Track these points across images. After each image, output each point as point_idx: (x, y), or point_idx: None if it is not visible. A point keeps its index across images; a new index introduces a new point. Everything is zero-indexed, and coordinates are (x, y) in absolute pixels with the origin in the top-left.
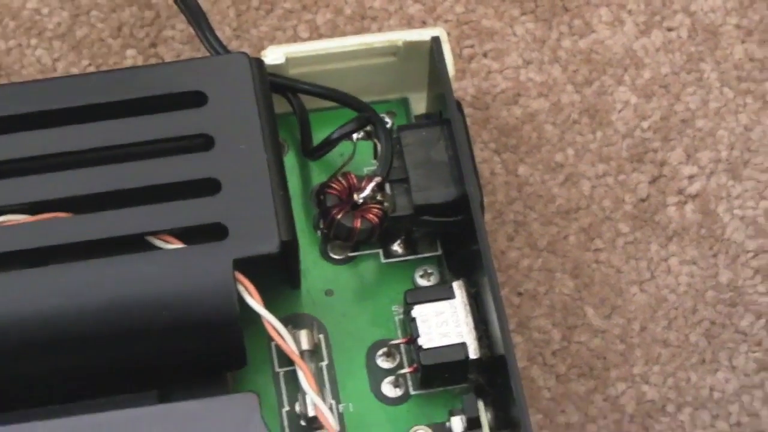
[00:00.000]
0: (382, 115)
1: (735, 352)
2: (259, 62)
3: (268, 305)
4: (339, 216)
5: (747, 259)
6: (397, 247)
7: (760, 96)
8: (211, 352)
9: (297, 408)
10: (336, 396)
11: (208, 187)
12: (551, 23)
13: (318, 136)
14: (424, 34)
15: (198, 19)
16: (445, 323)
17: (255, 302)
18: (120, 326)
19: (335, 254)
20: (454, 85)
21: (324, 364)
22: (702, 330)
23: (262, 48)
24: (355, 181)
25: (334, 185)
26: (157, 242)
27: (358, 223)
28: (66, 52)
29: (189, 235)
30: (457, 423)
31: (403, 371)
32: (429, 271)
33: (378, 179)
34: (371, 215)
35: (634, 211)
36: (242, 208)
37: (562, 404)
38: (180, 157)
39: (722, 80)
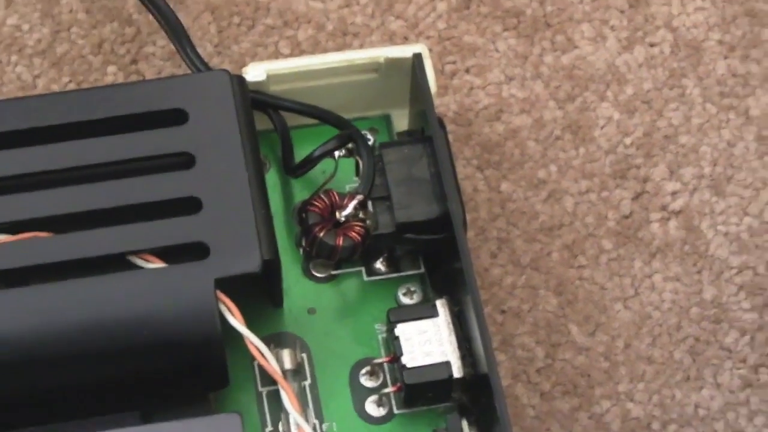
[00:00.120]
0: (364, 131)
1: (720, 368)
2: (241, 79)
3: (250, 324)
4: (321, 234)
5: (731, 276)
6: (379, 265)
7: (742, 112)
8: (194, 372)
9: (280, 427)
10: (319, 415)
11: (190, 205)
12: (533, 39)
13: (300, 153)
14: (405, 51)
15: (179, 36)
16: (429, 342)
17: (237, 322)
18: (101, 346)
19: (318, 272)
20: (437, 102)
21: (307, 383)
22: (686, 347)
23: (244, 64)
24: (337, 198)
25: (316, 203)
26: (138, 261)
27: (340, 241)
28: (46, 69)
29: (170, 254)
30: None
31: (386, 390)
32: (412, 289)
33: (360, 197)
34: (353, 233)
35: (618, 228)
36: (224, 227)
37: (546, 422)
38: (161, 175)
39: (705, 96)
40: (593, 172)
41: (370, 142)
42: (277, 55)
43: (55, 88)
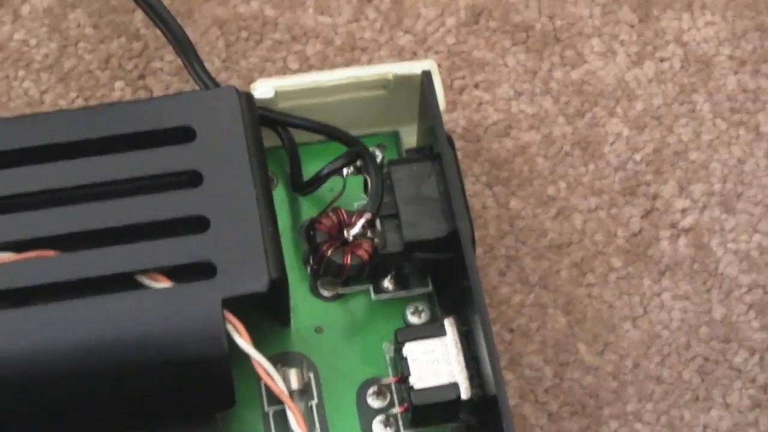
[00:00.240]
0: (372, 148)
1: (729, 389)
2: (249, 96)
3: (256, 343)
4: (329, 252)
5: (741, 294)
6: (387, 284)
7: (753, 127)
8: (200, 391)
9: None
10: None
11: (197, 224)
12: (543, 54)
13: (308, 170)
14: (414, 67)
15: (186, 51)
16: (437, 362)
17: (244, 342)
18: (107, 367)
19: (325, 291)
20: (445, 117)
21: (314, 403)
22: (695, 366)
23: (252, 79)
24: (345, 216)
25: (323, 221)
26: (145, 281)
27: (348, 260)
28: (54, 84)
29: (177, 273)
30: None
31: (394, 411)
32: (420, 308)
33: (368, 215)
34: (361, 251)
35: (627, 246)
36: (231, 246)
37: None
38: (168, 193)
39: (715, 112)
40: (602, 189)
41: (378, 159)
42: (285, 70)
43: (63, 103)
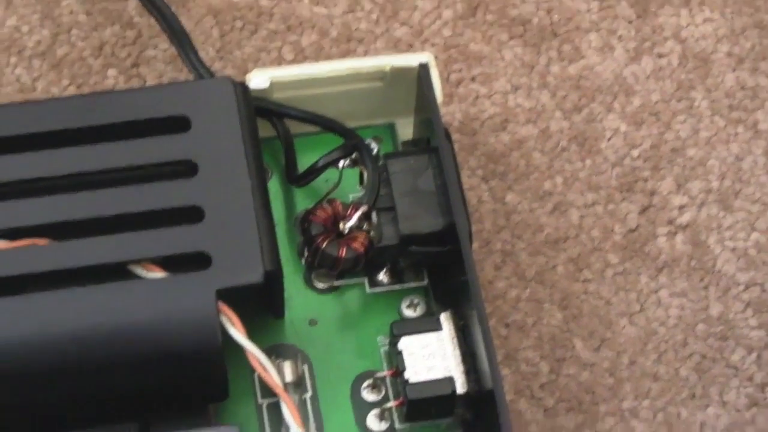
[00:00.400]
0: (367, 140)
1: (726, 387)
2: (244, 87)
3: (250, 335)
4: (324, 245)
5: (738, 292)
6: (382, 277)
7: (751, 125)
8: (193, 383)
9: None
10: (320, 429)
11: (192, 214)
12: (540, 48)
13: (303, 161)
14: (411, 60)
15: (181, 40)
16: (432, 356)
17: (238, 333)
18: (99, 357)
19: (319, 283)
20: (442, 111)
21: (308, 395)
22: (692, 364)
23: (246, 69)
24: (340, 208)
25: (319, 213)
26: (139, 271)
27: (343, 252)
28: (46, 72)
29: (171, 263)
30: None
31: (388, 405)
32: (415, 302)
33: (364, 208)
34: (357, 244)
35: (624, 242)
36: (226, 237)
37: None
38: (162, 183)
39: (713, 109)
40: (599, 185)
41: (374, 151)
42: (280, 60)
43: (55, 90)
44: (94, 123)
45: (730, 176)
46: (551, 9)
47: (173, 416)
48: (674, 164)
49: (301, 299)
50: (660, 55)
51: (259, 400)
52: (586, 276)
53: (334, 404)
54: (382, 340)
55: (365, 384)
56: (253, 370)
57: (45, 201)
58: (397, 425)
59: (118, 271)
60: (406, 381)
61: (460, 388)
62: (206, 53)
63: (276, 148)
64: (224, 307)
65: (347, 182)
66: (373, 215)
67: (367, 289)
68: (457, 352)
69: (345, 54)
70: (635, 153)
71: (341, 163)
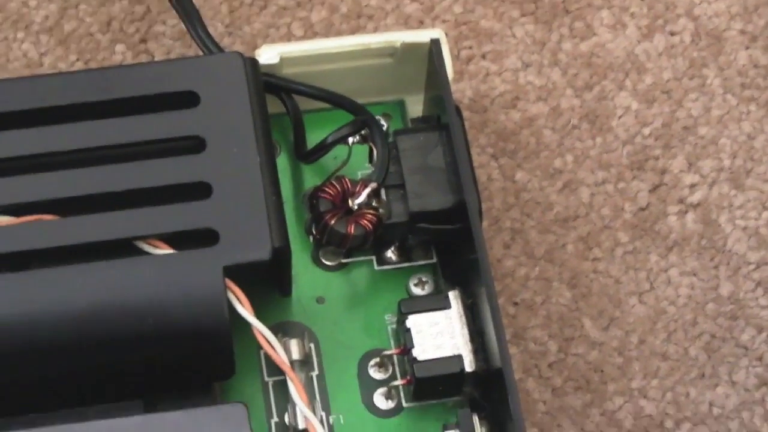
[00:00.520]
0: (377, 117)
1: (735, 366)
2: (253, 62)
3: (257, 312)
4: (332, 222)
5: (749, 272)
6: (391, 254)
7: (763, 104)
8: (199, 361)
9: (286, 419)
10: (326, 407)
11: (199, 190)
12: (551, 25)
13: (312, 137)
14: (422, 36)
15: (190, 16)
16: (440, 334)
17: (245, 311)
18: (105, 333)
19: (327, 260)
20: (452, 88)
21: (314, 374)
22: (702, 343)
23: (255, 45)
24: (349, 185)
25: (327, 190)
26: (146, 247)
27: (351, 229)
28: (53, 47)
29: (179, 240)
30: None
31: (396, 383)
32: (424, 280)
33: (374, 185)
34: (365, 221)
35: (634, 220)
36: (234, 213)
37: (557, 418)
38: (171, 159)
39: (725, 87)
40: (610, 163)
41: (383, 128)
42: (289, 36)
43: (62, 66)
44: (102, 98)
45: (741, 155)
46: None
47: (179, 393)
48: (686, 142)
49: (308, 277)
50: (672, 33)
51: (266, 378)
52: (596, 255)
53: (340, 382)
54: (390, 318)
55: (372, 362)
56: (259, 348)
57: (51, 176)
58: (405, 404)
59: (124, 248)
60: (414, 359)
61: (469, 366)
62: (215, 29)
63: (285, 124)
64: (231, 284)
65: (356, 159)
66: (382, 192)
67: (375, 267)
68: (466, 331)
69: (354, 30)
70: (646, 131)
71: (351, 140)
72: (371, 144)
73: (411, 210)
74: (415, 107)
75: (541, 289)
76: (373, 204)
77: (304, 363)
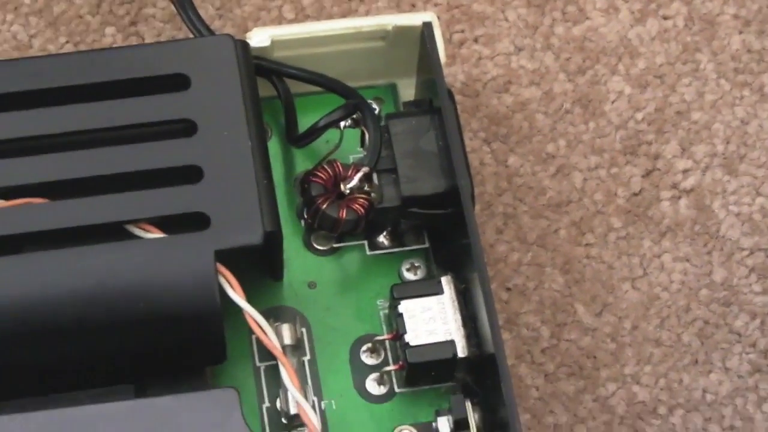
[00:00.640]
0: (369, 101)
1: (729, 353)
2: (244, 45)
3: (248, 297)
4: (324, 206)
5: (742, 257)
6: (383, 239)
7: (757, 89)
8: (191, 345)
9: (278, 404)
10: (318, 392)
11: (190, 174)
12: (544, 9)
13: (303, 121)
14: (414, 19)
15: None
16: (433, 320)
17: (236, 295)
18: (96, 317)
19: (319, 245)
20: (444, 71)
21: (306, 359)
22: (695, 330)
23: (246, 28)
24: (341, 169)
25: (319, 174)
26: (137, 231)
27: (343, 214)
28: (43, 29)
29: (169, 224)
30: (444, 424)
31: (388, 368)
32: (416, 265)
33: (366, 169)
34: (357, 205)
35: (627, 206)
36: (225, 197)
37: (550, 404)
38: (161, 142)
39: (719, 72)
40: (603, 148)
41: (375, 112)
42: (280, 19)
43: (52, 48)
44: (92, 80)
45: (735, 140)
46: None
47: (170, 378)
48: (679, 128)
49: (300, 261)
50: (665, 17)
51: (257, 363)
52: (589, 240)
53: (332, 368)
54: (382, 304)
55: (364, 347)
56: (251, 333)
57: (41, 159)
58: (397, 389)
59: (115, 232)
60: (407, 344)
61: (461, 352)
62: (205, 11)
63: (276, 108)
64: (222, 269)
65: (348, 143)
66: (374, 176)
67: (367, 252)
68: (458, 316)
69: (346, 13)
70: (639, 116)
71: (342, 124)
72: (363, 128)
73: (403, 194)
74: (407, 91)
75: (534, 274)
76: (365, 188)
77: (296, 348)
